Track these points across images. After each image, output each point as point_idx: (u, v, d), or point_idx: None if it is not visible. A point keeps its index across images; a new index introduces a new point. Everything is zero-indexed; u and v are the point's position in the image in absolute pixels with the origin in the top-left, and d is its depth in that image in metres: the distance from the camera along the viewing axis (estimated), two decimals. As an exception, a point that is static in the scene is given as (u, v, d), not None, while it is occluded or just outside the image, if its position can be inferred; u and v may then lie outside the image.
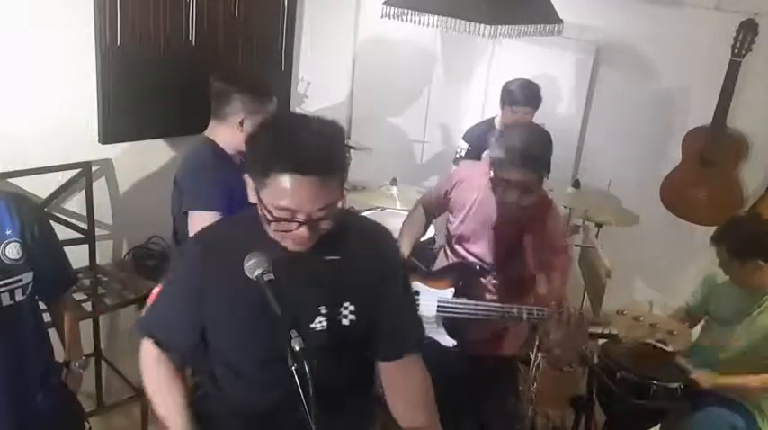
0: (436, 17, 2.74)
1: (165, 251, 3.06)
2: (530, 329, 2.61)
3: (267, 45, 3.35)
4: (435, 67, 4.34)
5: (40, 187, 2.77)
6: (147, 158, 3.08)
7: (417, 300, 2.22)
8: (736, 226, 2.65)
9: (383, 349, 1.62)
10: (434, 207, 2.61)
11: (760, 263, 2.48)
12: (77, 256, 2.80)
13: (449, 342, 2.32)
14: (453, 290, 2.35)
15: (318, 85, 3.67)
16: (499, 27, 2.67)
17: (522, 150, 2.13)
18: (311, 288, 1.50)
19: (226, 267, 1.43)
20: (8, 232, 1.73)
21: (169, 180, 2.48)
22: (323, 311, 1.51)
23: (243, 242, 1.44)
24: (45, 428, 1.89)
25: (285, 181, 1.33)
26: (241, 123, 2.38)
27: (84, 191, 2.91)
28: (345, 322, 1.53)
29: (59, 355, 1.99)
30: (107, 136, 2.91)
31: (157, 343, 1.62)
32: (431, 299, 2.31)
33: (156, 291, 1.75)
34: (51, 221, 2.25)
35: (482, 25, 2.63)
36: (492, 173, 2.22)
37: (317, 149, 1.35)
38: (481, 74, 4.50)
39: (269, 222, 1.40)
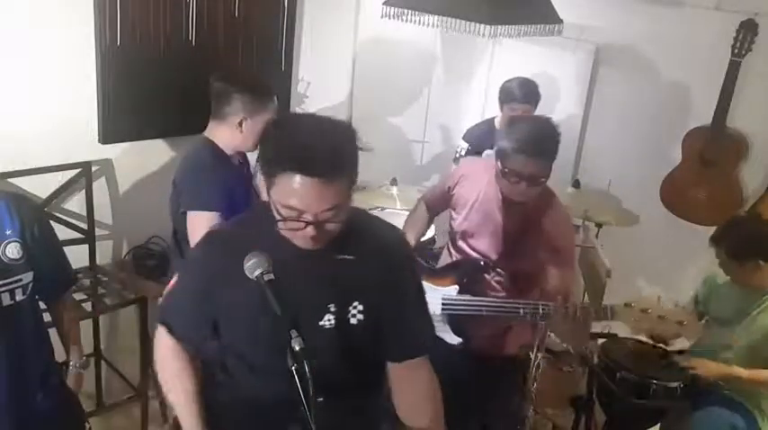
0: (436, 17, 2.74)
1: (165, 251, 3.06)
2: (532, 327, 2.60)
3: (267, 45, 3.35)
4: (435, 67, 4.34)
5: (40, 187, 2.77)
6: (147, 158, 3.08)
7: None
8: (736, 226, 2.66)
9: (392, 350, 1.62)
10: (437, 203, 2.60)
11: (759, 262, 2.48)
12: (77, 256, 2.80)
13: (454, 339, 2.31)
14: (457, 287, 2.34)
15: (318, 85, 3.67)
16: (499, 27, 2.67)
17: (533, 140, 2.13)
18: (321, 285, 1.51)
19: (239, 263, 1.44)
20: (8, 232, 1.73)
21: (169, 180, 2.48)
22: (332, 309, 1.52)
23: (256, 238, 1.46)
24: (45, 428, 1.89)
25: (292, 181, 1.34)
26: (240, 123, 2.37)
27: (84, 191, 2.91)
28: (354, 321, 1.53)
29: (60, 355, 1.99)
30: (107, 136, 2.91)
31: (171, 332, 1.65)
32: (435, 296, 2.29)
33: (174, 279, 1.77)
34: (51, 221, 2.24)
35: (482, 25, 2.63)
36: (500, 165, 2.19)
37: (325, 150, 1.35)
38: (481, 74, 4.50)
39: (278, 220, 1.41)
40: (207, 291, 1.54)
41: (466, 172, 2.48)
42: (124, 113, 2.91)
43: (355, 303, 1.53)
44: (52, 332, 1.96)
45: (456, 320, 2.31)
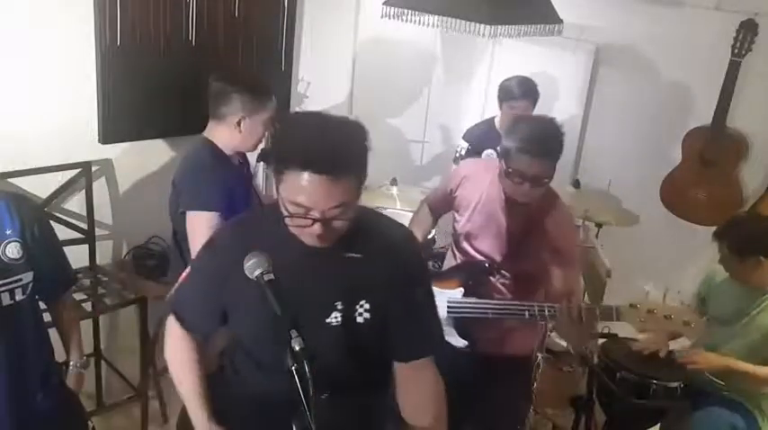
0: (436, 17, 2.74)
1: (165, 251, 3.05)
2: (538, 329, 2.59)
3: (267, 45, 3.35)
4: (435, 67, 4.34)
5: (40, 187, 2.77)
6: (147, 158, 3.08)
7: None
8: (739, 223, 2.66)
9: (398, 350, 1.63)
10: (440, 205, 2.59)
11: (760, 259, 2.48)
12: (77, 256, 2.80)
13: (460, 342, 2.29)
14: (462, 289, 2.33)
15: (318, 85, 3.67)
16: (499, 27, 2.67)
17: (537, 140, 2.12)
18: (329, 283, 1.52)
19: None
20: (8, 232, 1.73)
21: (169, 180, 2.49)
22: (339, 307, 1.53)
23: (266, 235, 1.49)
24: (45, 428, 1.89)
25: (299, 178, 1.35)
26: (239, 123, 2.37)
27: (84, 191, 2.91)
28: (360, 320, 1.54)
29: (60, 355, 1.99)
30: (107, 136, 2.91)
31: (181, 323, 1.67)
32: (440, 299, 2.26)
33: (187, 270, 1.80)
34: (51, 221, 2.24)
35: (482, 25, 2.63)
36: (504, 165, 2.18)
37: (332, 148, 1.36)
38: (481, 74, 4.51)
39: (286, 217, 1.42)
40: (217, 284, 1.55)
41: (467, 173, 2.47)
42: (124, 113, 2.91)
43: (362, 302, 1.54)
44: (52, 332, 1.96)
45: (462, 323, 2.30)
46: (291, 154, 1.37)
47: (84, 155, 2.88)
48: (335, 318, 1.53)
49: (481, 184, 2.37)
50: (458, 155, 3.70)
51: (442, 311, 2.25)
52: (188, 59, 3.02)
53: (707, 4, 3.50)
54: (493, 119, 3.73)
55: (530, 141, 2.12)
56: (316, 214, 1.39)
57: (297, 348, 1.33)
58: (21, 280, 1.73)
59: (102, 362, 3.11)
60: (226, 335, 1.73)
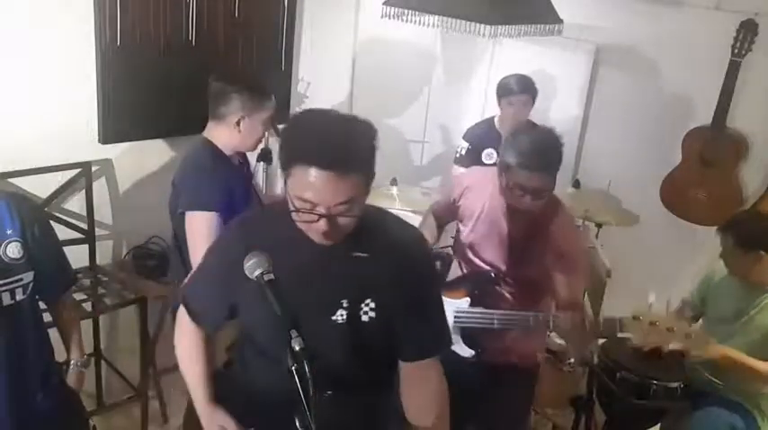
0: (436, 17, 2.74)
1: (165, 251, 3.05)
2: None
3: (267, 45, 3.35)
4: (435, 67, 4.34)
5: (40, 187, 2.77)
6: (147, 158, 3.08)
7: None
8: (746, 218, 2.70)
9: (403, 349, 1.63)
10: (444, 214, 2.58)
11: (761, 253, 2.49)
12: (77, 256, 2.80)
13: (466, 352, 2.29)
14: (469, 299, 2.32)
15: (318, 85, 3.67)
16: (499, 27, 2.66)
17: (536, 154, 2.10)
18: (335, 281, 1.53)
19: (260, 249, 1.45)
20: (9, 232, 1.74)
21: (169, 180, 2.48)
22: (344, 305, 1.53)
23: (276, 231, 1.50)
24: (46, 428, 1.89)
25: (306, 173, 1.36)
26: (238, 123, 2.37)
27: (84, 191, 2.91)
28: (365, 318, 1.55)
29: (60, 355, 1.99)
30: (107, 136, 2.91)
31: (190, 314, 1.69)
32: (447, 309, 2.27)
33: (199, 262, 1.81)
34: (51, 221, 2.24)
35: (482, 25, 2.62)
36: (504, 179, 2.18)
37: (340, 144, 1.37)
38: (481, 74, 4.50)
39: (292, 211, 1.43)
40: (226, 278, 1.56)
41: (470, 183, 2.46)
42: (124, 113, 2.91)
43: (368, 300, 1.54)
44: (52, 332, 1.96)
45: (468, 333, 2.29)
46: (299, 149, 1.38)
47: (84, 155, 2.88)
48: (341, 315, 1.54)
49: (483, 194, 2.36)
50: (458, 155, 3.70)
51: (450, 321, 2.24)
52: (188, 59, 3.02)
53: (707, 4, 3.50)
54: (492, 118, 3.74)
55: (529, 155, 2.10)
56: (322, 210, 1.39)
57: (297, 348, 1.33)
58: (21, 280, 1.74)
59: (103, 361, 3.12)
60: (235, 329, 1.74)
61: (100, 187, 2.99)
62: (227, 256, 1.56)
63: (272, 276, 1.41)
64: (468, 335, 2.30)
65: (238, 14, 3.16)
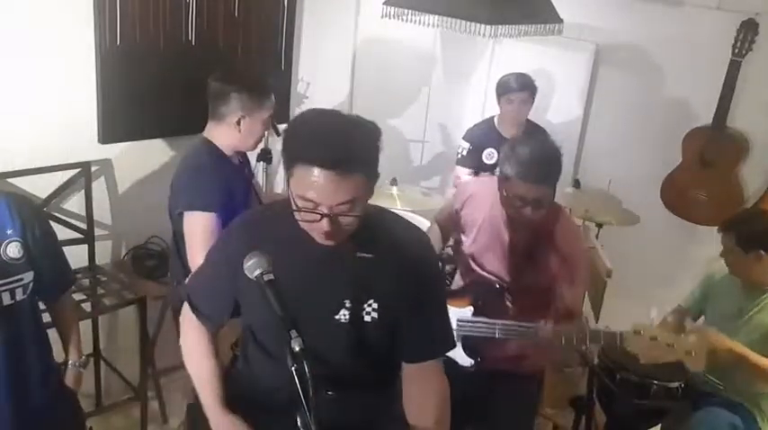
0: (436, 17, 2.74)
1: (164, 251, 3.05)
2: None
3: (267, 45, 3.35)
4: (435, 67, 4.34)
5: (40, 187, 2.76)
6: (146, 158, 3.08)
7: None
8: (748, 217, 2.71)
9: (405, 350, 1.63)
10: (448, 224, 2.58)
11: (761, 253, 2.49)
12: (76, 257, 2.79)
13: (466, 361, 2.28)
14: (472, 308, 2.32)
15: (318, 85, 3.66)
16: (499, 27, 2.66)
17: (535, 165, 2.10)
18: (339, 281, 1.54)
19: (263, 248, 1.46)
20: (9, 231, 1.74)
21: (168, 180, 2.48)
22: (347, 305, 1.54)
23: (280, 230, 1.51)
24: (45, 428, 1.89)
25: (308, 173, 1.37)
26: (238, 122, 2.37)
27: (83, 191, 2.90)
28: (367, 319, 1.55)
29: (59, 356, 1.99)
30: (106, 136, 2.90)
31: (194, 310, 1.70)
32: (450, 317, 2.28)
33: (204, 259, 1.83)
34: (50, 221, 2.24)
35: (482, 25, 2.62)
36: (504, 191, 2.18)
37: (342, 145, 1.37)
38: (481, 74, 4.50)
39: (294, 211, 1.44)
40: (228, 276, 1.56)
41: (472, 193, 2.46)
42: (124, 113, 2.90)
43: (370, 301, 1.55)
44: (51, 332, 1.96)
45: (471, 342, 2.28)
46: (302, 149, 1.39)
47: (83, 155, 2.87)
48: (344, 315, 1.54)
49: (485, 204, 2.36)
50: (460, 156, 3.70)
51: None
52: (188, 59, 3.01)
53: (708, 4, 3.50)
54: (492, 118, 3.74)
55: (528, 166, 2.10)
56: (323, 209, 1.40)
57: (296, 349, 1.33)
58: (21, 279, 1.74)
59: (102, 362, 3.11)
60: (239, 327, 1.75)
61: (99, 187, 2.98)
62: (230, 255, 1.56)
63: (271, 276, 1.41)
64: (470, 345, 2.29)
65: (238, 14, 3.16)
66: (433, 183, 4.50)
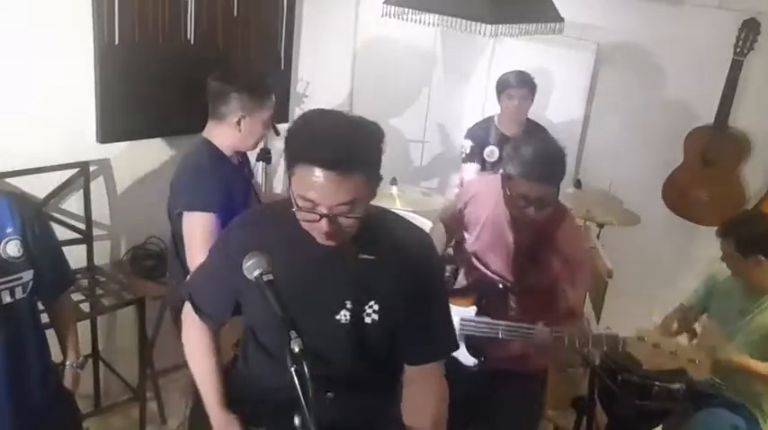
0: (437, 16, 2.73)
1: (163, 251, 3.04)
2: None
3: (267, 44, 3.34)
4: (435, 67, 4.33)
5: (38, 187, 2.75)
6: (145, 158, 3.07)
7: None
8: (744, 221, 2.68)
9: (405, 353, 1.63)
10: (452, 222, 2.57)
11: (761, 258, 2.48)
12: (75, 257, 2.78)
13: (470, 361, 2.27)
14: (476, 308, 2.31)
15: (318, 85, 3.65)
16: (500, 26, 2.65)
17: (539, 164, 2.09)
18: (340, 281, 1.53)
19: (265, 247, 1.46)
20: (9, 230, 1.74)
21: (168, 180, 2.47)
22: (348, 306, 1.54)
23: (284, 229, 1.50)
24: (44, 427, 1.89)
25: (308, 172, 1.37)
26: (238, 122, 2.36)
27: (81, 191, 2.89)
28: (368, 320, 1.55)
29: (57, 356, 1.99)
30: (105, 135, 2.89)
31: (195, 308, 1.70)
32: (453, 316, 2.27)
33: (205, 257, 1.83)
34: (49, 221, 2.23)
35: (483, 24, 2.61)
36: (508, 189, 2.17)
37: (342, 145, 1.36)
38: (482, 73, 4.50)
39: (294, 210, 1.43)
40: (229, 273, 1.55)
41: (476, 192, 2.46)
42: (122, 113, 2.89)
43: (371, 303, 1.54)
44: (49, 333, 1.95)
45: (474, 341, 2.28)
46: (303, 148, 1.38)
47: (81, 154, 2.86)
48: (344, 316, 1.54)
49: (489, 203, 2.35)
50: (464, 154, 3.69)
51: (456, 327, 2.23)
52: (187, 58, 3.00)
53: (709, 3, 3.49)
54: (492, 117, 3.74)
55: (532, 165, 2.09)
56: (323, 210, 1.39)
57: (296, 350, 1.32)
58: (21, 278, 1.74)
59: (100, 363, 3.10)
60: (241, 326, 1.75)
61: (98, 187, 2.97)
62: (229, 255, 1.55)
63: (271, 277, 1.40)
64: (473, 344, 2.28)
65: (237, 13, 3.15)
66: (432, 184, 4.49)
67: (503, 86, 3.56)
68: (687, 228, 3.64)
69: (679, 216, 3.66)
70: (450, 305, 2.16)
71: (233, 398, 1.70)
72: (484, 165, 3.63)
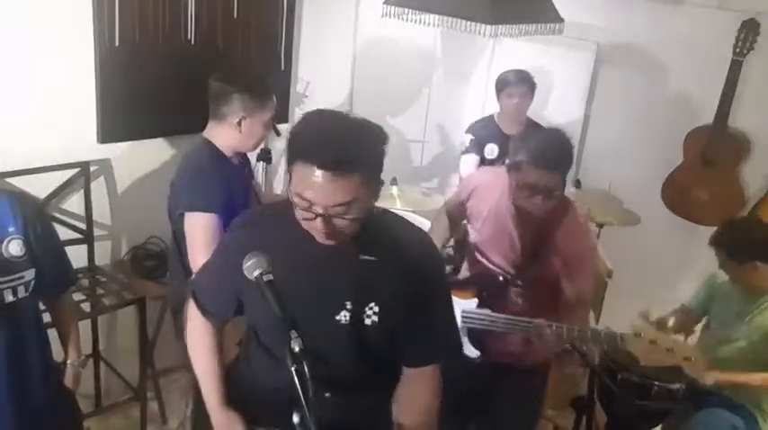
0: (437, 16, 2.73)
1: (164, 251, 3.04)
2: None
3: (267, 44, 3.34)
4: (436, 67, 4.33)
5: (39, 187, 2.75)
6: (145, 158, 3.07)
7: None
8: (734, 228, 2.68)
9: (406, 355, 1.63)
10: (455, 213, 2.57)
11: (757, 264, 2.49)
12: (76, 257, 2.76)
13: (473, 352, 2.27)
14: (477, 300, 2.31)
15: (318, 85, 3.66)
16: (500, 26, 2.65)
17: (546, 152, 2.09)
18: (341, 282, 1.53)
19: (265, 246, 1.46)
20: (11, 229, 1.74)
21: (168, 180, 2.47)
22: (348, 307, 1.54)
23: (283, 228, 1.51)
24: (45, 427, 1.89)
25: (305, 171, 1.37)
26: (239, 123, 2.36)
27: (82, 191, 2.89)
28: (368, 322, 1.55)
29: (57, 356, 1.99)
30: (106, 135, 2.89)
31: (199, 307, 1.71)
32: (455, 308, 2.26)
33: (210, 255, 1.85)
34: (49, 221, 2.24)
35: (483, 25, 2.61)
36: (515, 180, 2.16)
37: (340, 145, 1.36)
38: (481, 73, 4.50)
39: (295, 207, 1.44)
40: (231, 273, 1.55)
41: (478, 184, 2.45)
42: (123, 113, 2.90)
43: (371, 304, 1.54)
44: (50, 332, 1.95)
45: (476, 333, 2.28)
46: (302, 147, 1.39)
47: (82, 154, 2.86)
48: (344, 316, 1.54)
49: (491, 195, 2.35)
50: (464, 147, 3.70)
51: (457, 320, 2.22)
52: (187, 59, 3.00)
53: (709, 3, 3.49)
54: (492, 115, 3.74)
55: (541, 153, 2.09)
56: (319, 209, 1.39)
57: (296, 349, 1.32)
58: (23, 277, 1.74)
59: (101, 362, 3.10)
60: (244, 324, 1.76)
61: (98, 187, 2.98)
62: (231, 256, 1.56)
63: (271, 277, 1.41)
64: (475, 336, 2.28)
65: (237, 14, 3.15)
66: (432, 184, 4.49)
67: (502, 85, 3.57)
68: (687, 228, 3.64)
69: (678, 216, 3.66)
70: (453, 297, 2.17)
71: (234, 398, 1.71)
72: (483, 160, 3.63)
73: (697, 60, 3.57)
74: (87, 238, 2.94)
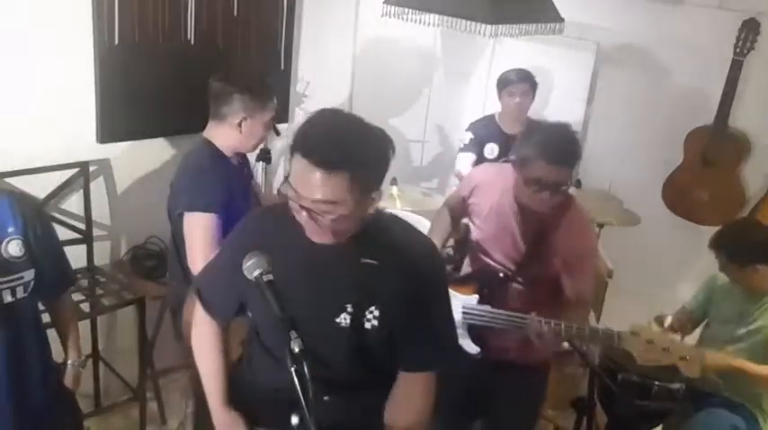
0: (437, 16, 2.73)
1: (163, 251, 3.04)
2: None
3: (267, 44, 3.34)
4: (435, 67, 4.33)
5: (38, 187, 2.75)
6: (145, 158, 3.07)
7: None
8: (733, 231, 2.67)
9: (403, 359, 1.63)
10: (457, 210, 2.57)
11: (757, 267, 2.49)
12: (75, 257, 2.77)
13: (473, 349, 2.26)
14: (478, 296, 2.31)
15: (318, 85, 3.65)
16: (500, 26, 2.65)
17: (554, 146, 2.08)
18: (342, 284, 1.54)
19: (267, 247, 1.46)
20: (10, 229, 1.75)
21: (168, 180, 2.47)
22: (348, 310, 1.54)
23: (285, 230, 1.51)
24: (44, 427, 1.89)
25: (298, 164, 1.39)
26: (240, 124, 2.36)
27: (81, 191, 2.89)
28: (367, 325, 1.55)
29: (57, 356, 1.99)
30: (105, 135, 2.89)
31: (203, 305, 1.72)
32: (455, 304, 2.25)
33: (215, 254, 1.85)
34: (48, 221, 2.23)
35: (483, 24, 2.61)
36: (522, 175, 2.14)
37: (333, 144, 1.37)
38: (482, 73, 4.50)
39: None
40: (233, 274, 1.55)
41: (479, 181, 2.44)
42: (122, 113, 2.89)
43: (372, 308, 1.54)
44: (49, 332, 1.96)
45: (476, 330, 2.27)
46: (300, 141, 1.40)
47: (81, 154, 2.86)
48: (345, 319, 1.54)
49: (493, 192, 2.34)
50: (462, 144, 3.70)
51: (457, 316, 2.22)
52: (187, 59, 3.00)
53: (709, 3, 3.49)
54: (493, 114, 3.74)
55: (547, 148, 2.07)
56: (304, 202, 1.40)
57: (296, 350, 1.33)
58: (22, 277, 1.75)
59: (101, 363, 3.10)
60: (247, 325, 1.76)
61: (98, 187, 2.97)
62: (232, 255, 1.56)
63: (270, 277, 1.41)
64: (476, 332, 2.28)
65: (237, 13, 3.15)
66: (432, 184, 4.49)
67: (503, 84, 3.56)
68: (687, 229, 3.64)
69: (679, 216, 3.66)
70: (453, 293, 2.13)
71: (235, 398, 1.71)
72: (482, 160, 3.63)
73: (697, 60, 3.57)
74: (87, 238, 2.94)
